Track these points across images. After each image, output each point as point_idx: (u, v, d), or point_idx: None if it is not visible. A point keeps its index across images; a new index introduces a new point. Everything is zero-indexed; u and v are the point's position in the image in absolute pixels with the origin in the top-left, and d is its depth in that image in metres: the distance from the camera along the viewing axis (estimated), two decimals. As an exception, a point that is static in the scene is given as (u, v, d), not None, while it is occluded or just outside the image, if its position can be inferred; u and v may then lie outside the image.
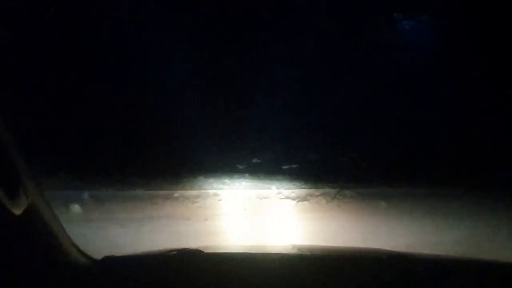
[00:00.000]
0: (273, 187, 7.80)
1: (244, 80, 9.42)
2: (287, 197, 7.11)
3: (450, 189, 6.31)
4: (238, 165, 8.73)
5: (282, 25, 9.47)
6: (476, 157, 6.93)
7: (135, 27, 7.87)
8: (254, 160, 8.92)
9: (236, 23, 9.71)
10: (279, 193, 7.56)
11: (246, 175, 8.08)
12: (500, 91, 8.21)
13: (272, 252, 1.71)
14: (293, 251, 1.55)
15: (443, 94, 8.98)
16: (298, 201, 6.61)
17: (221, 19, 9.07)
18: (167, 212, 5.93)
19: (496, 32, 8.10)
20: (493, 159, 6.54)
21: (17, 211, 0.93)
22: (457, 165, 6.80)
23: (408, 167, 7.93)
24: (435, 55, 9.11)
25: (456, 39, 8.92)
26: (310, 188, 7.45)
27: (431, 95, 8.86)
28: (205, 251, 1.38)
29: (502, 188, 5.71)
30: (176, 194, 7.03)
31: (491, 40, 8.21)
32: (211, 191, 7.53)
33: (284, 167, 8.62)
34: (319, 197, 6.71)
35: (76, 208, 5.60)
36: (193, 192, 7.20)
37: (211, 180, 8.20)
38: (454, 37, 9.00)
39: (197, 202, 6.55)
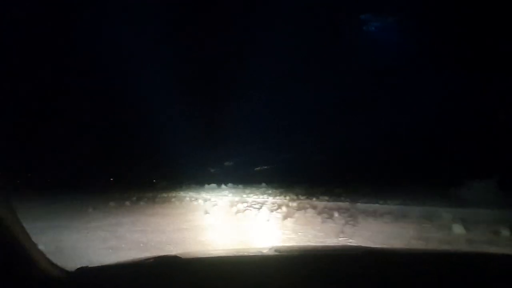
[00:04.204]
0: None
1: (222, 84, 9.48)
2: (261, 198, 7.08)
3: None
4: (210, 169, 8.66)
5: (255, 32, 9.53)
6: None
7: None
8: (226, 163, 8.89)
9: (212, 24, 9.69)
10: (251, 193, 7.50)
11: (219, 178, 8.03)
12: (464, 86, 8.57)
13: (252, 254, 1.70)
14: (272, 253, 1.54)
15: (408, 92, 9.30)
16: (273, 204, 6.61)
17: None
18: (142, 216, 5.83)
19: (462, 32, 8.45)
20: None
21: None
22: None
23: (379, 162, 8.13)
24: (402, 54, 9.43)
25: (421, 39, 9.29)
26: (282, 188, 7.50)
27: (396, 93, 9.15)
28: (183, 257, 1.36)
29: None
30: (147, 198, 6.89)
31: (458, 39, 8.57)
32: (188, 196, 7.40)
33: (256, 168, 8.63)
34: (291, 200, 6.75)
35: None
36: (167, 197, 7.07)
37: (188, 185, 8.08)
38: (419, 37, 9.37)
39: (172, 207, 6.47)
